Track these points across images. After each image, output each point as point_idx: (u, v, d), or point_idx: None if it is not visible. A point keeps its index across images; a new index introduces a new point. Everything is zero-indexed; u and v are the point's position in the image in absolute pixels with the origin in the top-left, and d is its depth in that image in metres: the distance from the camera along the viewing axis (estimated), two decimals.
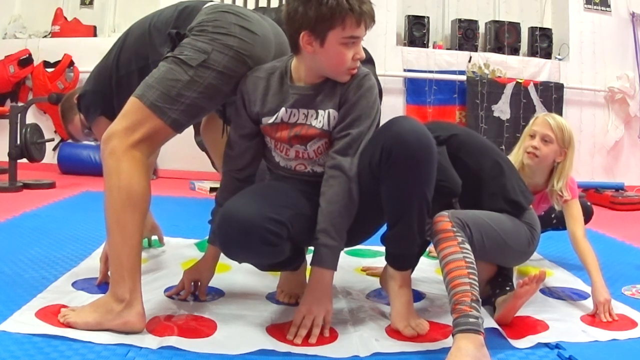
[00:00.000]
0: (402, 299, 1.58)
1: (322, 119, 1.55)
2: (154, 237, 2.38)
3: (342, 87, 1.54)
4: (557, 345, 1.48)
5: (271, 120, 1.58)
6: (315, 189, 1.56)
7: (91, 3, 5.33)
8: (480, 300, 1.39)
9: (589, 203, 2.43)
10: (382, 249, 1.63)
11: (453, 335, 1.36)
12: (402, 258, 1.60)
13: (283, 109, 1.57)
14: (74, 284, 1.80)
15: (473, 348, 1.31)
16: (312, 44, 1.46)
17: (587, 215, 2.36)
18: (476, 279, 1.42)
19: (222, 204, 1.61)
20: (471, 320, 1.34)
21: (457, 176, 1.67)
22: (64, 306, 1.56)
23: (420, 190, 1.50)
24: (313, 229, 1.51)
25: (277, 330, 1.52)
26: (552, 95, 5.12)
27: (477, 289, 1.40)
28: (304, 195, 1.58)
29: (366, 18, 1.46)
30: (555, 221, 2.27)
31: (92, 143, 2.12)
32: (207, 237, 1.76)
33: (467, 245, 1.47)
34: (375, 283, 1.99)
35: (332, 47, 1.46)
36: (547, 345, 1.49)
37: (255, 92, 1.59)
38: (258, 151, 1.68)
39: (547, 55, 5.26)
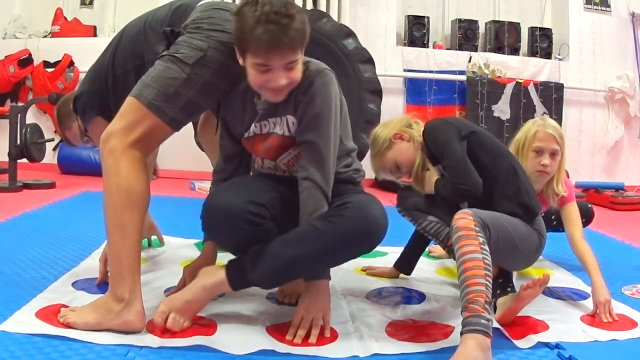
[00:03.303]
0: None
1: (282, 125, 1.57)
2: (154, 237, 2.38)
3: (296, 89, 1.51)
4: (557, 345, 1.48)
5: (246, 134, 1.64)
6: (293, 181, 1.58)
7: (91, 3, 5.34)
8: (492, 304, 1.39)
9: (589, 205, 2.43)
10: (382, 249, 1.63)
11: (462, 334, 1.36)
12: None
13: (253, 124, 1.62)
14: (74, 284, 1.80)
15: (480, 352, 1.31)
16: (241, 57, 1.46)
17: (588, 218, 2.36)
18: (491, 282, 1.42)
19: None
20: (483, 321, 1.34)
21: (479, 178, 1.68)
22: (64, 306, 1.56)
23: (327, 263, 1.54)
24: (295, 211, 1.52)
25: (277, 330, 1.52)
26: (552, 95, 5.12)
27: (491, 292, 1.41)
28: (280, 184, 1.62)
29: (274, 47, 1.36)
30: (555, 222, 2.26)
31: (89, 146, 2.12)
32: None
33: (487, 247, 1.47)
34: (375, 283, 1.99)
35: (249, 68, 1.44)
36: (547, 345, 1.49)
37: (234, 112, 1.65)
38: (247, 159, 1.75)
39: (547, 55, 5.27)
